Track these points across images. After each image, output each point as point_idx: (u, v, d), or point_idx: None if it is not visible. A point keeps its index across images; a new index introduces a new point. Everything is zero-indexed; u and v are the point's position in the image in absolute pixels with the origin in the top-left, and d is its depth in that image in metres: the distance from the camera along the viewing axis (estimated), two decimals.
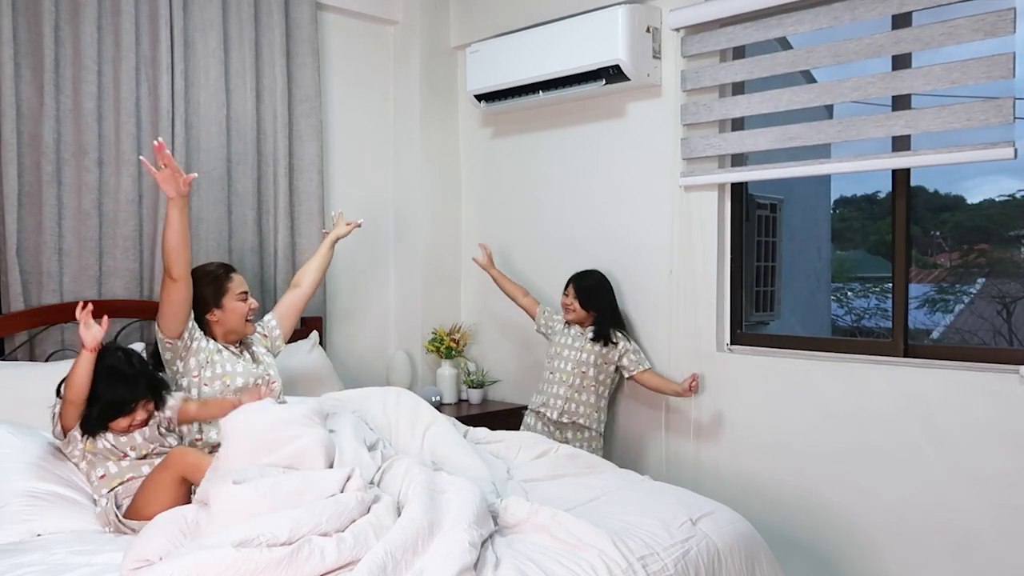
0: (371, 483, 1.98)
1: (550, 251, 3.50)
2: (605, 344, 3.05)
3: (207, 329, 2.51)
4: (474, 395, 3.66)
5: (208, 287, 2.50)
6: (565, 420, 3.04)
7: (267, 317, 2.79)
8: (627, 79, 3.00)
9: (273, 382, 2.46)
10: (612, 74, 3.02)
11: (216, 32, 3.10)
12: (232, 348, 2.54)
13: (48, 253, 2.74)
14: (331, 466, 1.96)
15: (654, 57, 3.05)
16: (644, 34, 3.00)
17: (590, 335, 3.08)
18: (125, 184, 2.88)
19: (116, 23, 2.86)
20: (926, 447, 2.49)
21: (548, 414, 3.06)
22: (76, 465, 2.11)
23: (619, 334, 3.08)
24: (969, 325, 5.40)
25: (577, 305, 3.10)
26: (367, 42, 3.73)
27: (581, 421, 3.05)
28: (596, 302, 3.10)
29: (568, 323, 3.17)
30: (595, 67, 3.03)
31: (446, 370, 3.68)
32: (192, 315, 2.41)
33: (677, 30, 2.99)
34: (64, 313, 2.73)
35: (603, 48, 2.99)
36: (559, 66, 3.13)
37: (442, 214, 3.81)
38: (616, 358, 3.06)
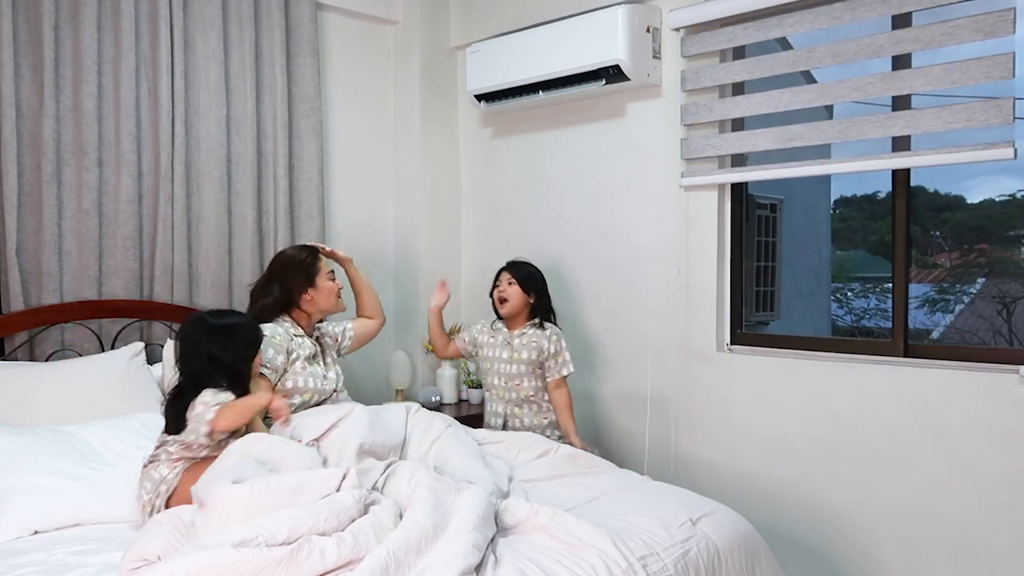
0: (375, 487, 1.98)
1: (549, 251, 3.50)
2: (542, 327, 2.94)
3: (296, 316, 2.64)
4: (474, 395, 3.66)
5: (297, 270, 2.64)
6: None
7: (348, 324, 2.89)
8: (627, 79, 3.00)
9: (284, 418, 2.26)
10: (612, 74, 3.02)
11: (216, 32, 3.10)
12: (311, 342, 2.63)
13: (48, 253, 2.74)
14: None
15: (654, 57, 3.05)
16: (644, 34, 3.00)
17: (520, 335, 2.93)
18: (125, 184, 2.88)
19: (116, 23, 2.86)
20: (926, 447, 2.49)
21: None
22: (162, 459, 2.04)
23: (556, 329, 2.96)
24: (969, 325, 5.40)
25: (518, 290, 2.93)
26: (367, 42, 3.73)
27: None
28: (536, 285, 2.98)
29: (495, 326, 3.02)
30: (595, 67, 3.03)
31: (446, 370, 3.68)
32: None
33: (677, 30, 2.99)
34: (64, 313, 2.73)
35: (603, 48, 2.99)
36: (559, 66, 3.13)
37: (442, 214, 3.81)
38: (543, 357, 2.92)
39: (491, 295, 3.02)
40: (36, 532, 1.92)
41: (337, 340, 2.82)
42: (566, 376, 2.92)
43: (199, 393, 2.01)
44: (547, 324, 2.98)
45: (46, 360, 2.72)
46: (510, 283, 2.96)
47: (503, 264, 3.05)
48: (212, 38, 3.09)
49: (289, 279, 2.62)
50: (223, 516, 1.67)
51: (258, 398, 2.05)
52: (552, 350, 2.92)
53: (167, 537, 1.68)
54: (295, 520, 1.62)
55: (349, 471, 1.86)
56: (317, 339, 2.71)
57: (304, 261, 2.66)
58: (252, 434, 2.05)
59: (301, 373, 2.51)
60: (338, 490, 1.80)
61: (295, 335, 2.58)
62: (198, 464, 2.01)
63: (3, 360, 2.66)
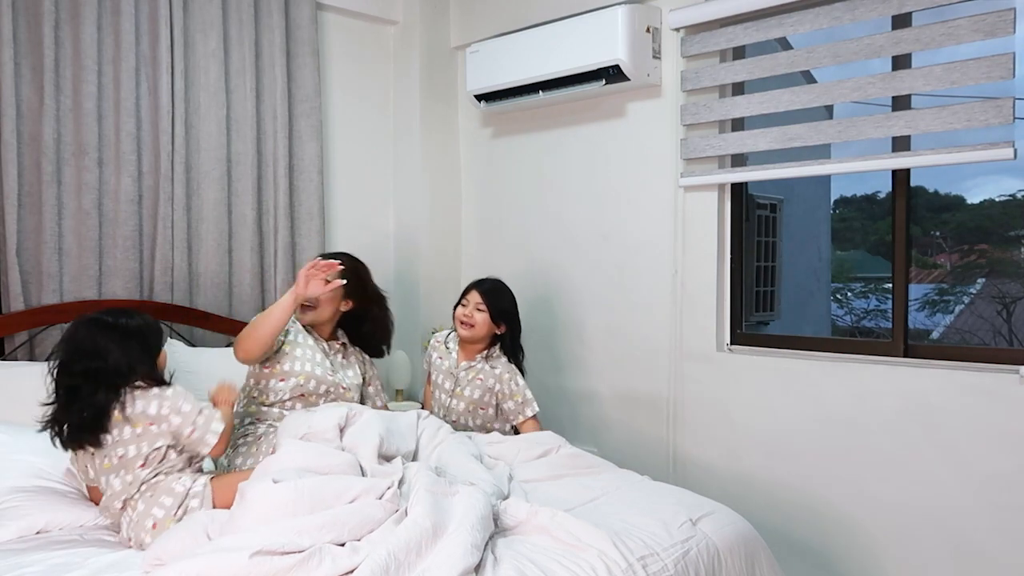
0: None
1: (549, 251, 3.50)
2: (492, 364, 2.68)
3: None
4: None
5: None
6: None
7: (379, 401, 2.74)
8: (627, 79, 3.00)
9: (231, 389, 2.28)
10: (612, 74, 3.02)
11: (216, 32, 3.10)
12: (318, 341, 2.57)
13: (48, 253, 2.74)
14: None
15: (654, 57, 3.05)
16: (644, 34, 3.00)
17: (468, 368, 2.70)
18: (125, 184, 2.88)
19: (116, 23, 2.86)
20: (926, 447, 2.49)
21: None
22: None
23: (509, 366, 2.72)
24: (969, 325, 5.40)
25: (487, 317, 2.65)
26: (367, 42, 3.73)
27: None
28: (508, 316, 2.69)
29: (448, 344, 2.79)
30: (595, 67, 3.03)
31: None
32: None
33: (677, 30, 2.99)
34: (64, 313, 2.73)
35: (603, 48, 2.99)
36: (559, 66, 3.13)
37: (442, 214, 3.81)
38: (496, 400, 2.69)
39: (454, 310, 2.80)
40: (39, 532, 1.92)
41: (367, 381, 2.72)
42: (533, 415, 2.70)
43: (96, 392, 1.85)
44: (498, 360, 2.73)
45: (46, 360, 2.71)
46: (479, 309, 2.69)
47: (474, 280, 2.82)
48: (212, 38, 3.09)
49: None
50: (260, 514, 1.68)
51: (228, 420, 2.01)
52: (506, 391, 2.69)
53: (187, 537, 1.68)
54: (320, 529, 1.62)
55: (394, 483, 1.85)
56: (343, 345, 2.66)
57: None
58: (302, 443, 2.03)
59: (300, 358, 2.49)
60: (379, 498, 1.79)
61: (302, 326, 2.57)
62: (222, 475, 1.96)
63: (3, 360, 2.67)
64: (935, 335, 5.30)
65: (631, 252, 3.21)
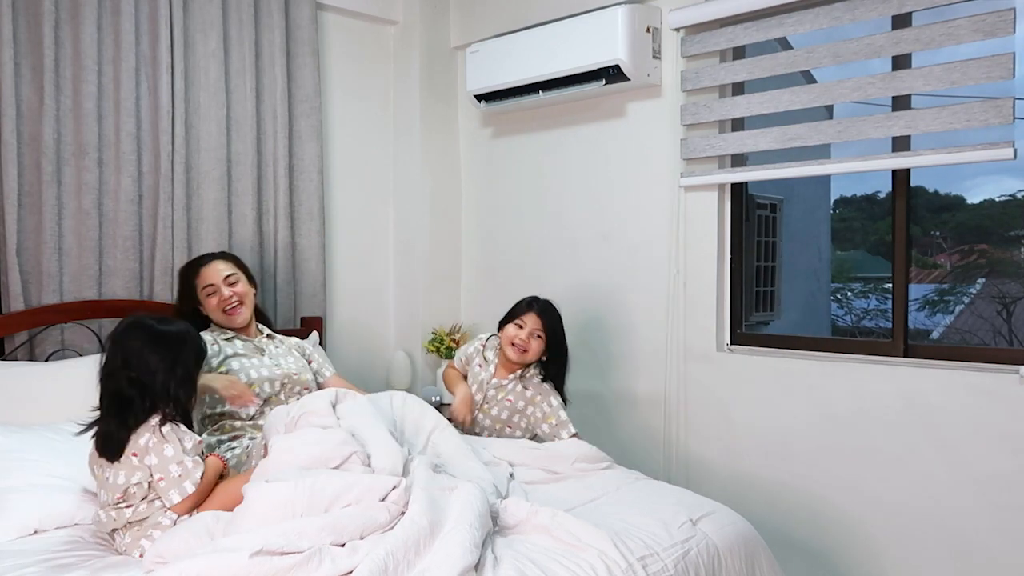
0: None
1: (549, 251, 3.50)
2: (525, 386, 2.59)
3: (221, 326, 2.59)
4: None
5: (184, 288, 2.63)
6: None
7: (328, 372, 2.75)
8: (627, 79, 3.00)
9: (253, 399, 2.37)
10: (612, 74, 3.02)
11: (216, 32, 3.10)
12: (246, 343, 2.56)
13: (48, 253, 2.73)
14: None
15: (654, 57, 3.05)
16: (644, 34, 3.00)
17: (498, 386, 2.63)
18: (125, 184, 2.88)
19: (116, 23, 2.86)
20: (926, 447, 2.49)
21: None
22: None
23: (543, 387, 2.63)
24: (969, 325, 5.40)
25: (543, 345, 2.55)
26: (367, 42, 3.73)
27: None
28: (561, 345, 2.60)
29: (487, 353, 2.70)
30: (595, 67, 3.03)
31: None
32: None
33: (677, 30, 2.99)
34: (64, 313, 2.73)
35: (603, 48, 2.99)
36: (559, 66, 3.13)
37: (442, 214, 3.81)
38: (531, 422, 2.62)
39: (501, 325, 2.68)
40: (36, 532, 1.92)
41: (308, 360, 2.71)
42: (570, 437, 2.57)
43: (143, 412, 1.81)
44: (531, 382, 2.64)
45: (46, 360, 2.72)
46: (538, 335, 2.56)
47: (527, 299, 2.68)
48: (212, 38, 3.09)
49: (186, 298, 2.62)
50: (260, 514, 1.67)
51: (213, 471, 1.89)
52: (539, 414, 2.62)
53: (190, 537, 1.68)
54: (321, 531, 1.62)
55: (400, 482, 1.82)
56: (269, 335, 2.67)
57: (184, 277, 2.64)
58: (291, 436, 1.99)
59: (242, 369, 2.46)
60: (383, 499, 1.77)
61: (222, 339, 2.54)
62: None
63: (3, 360, 2.66)
64: (935, 335, 5.30)
65: (631, 252, 3.21)
